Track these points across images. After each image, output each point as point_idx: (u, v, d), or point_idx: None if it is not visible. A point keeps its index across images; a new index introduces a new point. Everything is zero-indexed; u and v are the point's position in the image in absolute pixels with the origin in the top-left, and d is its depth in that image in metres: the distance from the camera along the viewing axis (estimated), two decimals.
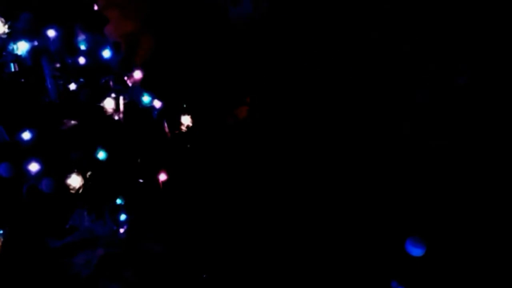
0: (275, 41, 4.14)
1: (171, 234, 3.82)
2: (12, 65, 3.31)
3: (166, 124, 3.77)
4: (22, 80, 3.36)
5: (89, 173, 3.37)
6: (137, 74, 3.64)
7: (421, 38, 4.00)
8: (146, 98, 3.64)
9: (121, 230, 3.61)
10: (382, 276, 3.69)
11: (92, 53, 3.49)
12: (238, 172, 4.06)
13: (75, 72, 3.44)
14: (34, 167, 3.20)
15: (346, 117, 4.14)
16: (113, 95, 3.55)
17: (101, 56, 3.50)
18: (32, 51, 3.33)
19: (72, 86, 3.43)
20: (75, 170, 3.31)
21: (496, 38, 3.95)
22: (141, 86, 3.67)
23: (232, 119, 4.29)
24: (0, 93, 3.33)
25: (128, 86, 3.62)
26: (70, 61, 3.44)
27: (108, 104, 3.53)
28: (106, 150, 3.41)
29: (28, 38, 3.32)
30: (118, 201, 3.55)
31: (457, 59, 3.93)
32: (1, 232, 3.39)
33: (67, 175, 3.29)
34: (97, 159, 3.39)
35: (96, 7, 3.75)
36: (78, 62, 3.44)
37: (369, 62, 4.12)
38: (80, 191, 3.33)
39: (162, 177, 3.67)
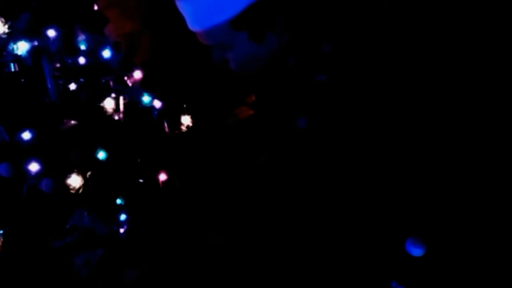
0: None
1: (171, 234, 3.82)
2: (12, 65, 3.31)
3: (166, 124, 3.77)
4: (22, 80, 3.36)
5: (89, 173, 3.37)
6: (137, 74, 3.64)
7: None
8: (146, 98, 3.64)
9: (121, 230, 3.61)
10: (382, 276, 3.69)
11: (92, 53, 3.49)
12: (238, 172, 4.07)
13: (75, 72, 3.44)
14: (34, 167, 3.20)
15: (345, 116, 4.14)
16: (113, 95, 3.55)
17: (101, 56, 3.50)
18: (32, 51, 3.33)
19: (72, 86, 3.43)
20: (75, 170, 3.31)
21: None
22: (141, 86, 3.67)
23: (232, 119, 4.29)
24: (0, 93, 3.33)
25: (128, 86, 3.62)
26: (70, 61, 3.44)
27: (108, 104, 3.53)
28: (106, 150, 3.41)
29: (28, 38, 3.32)
30: (118, 201, 3.55)
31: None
32: (1, 232, 3.39)
33: (67, 175, 3.29)
34: (97, 159, 3.39)
35: (96, 7, 3.75)
36: (78, 62, 3.44)
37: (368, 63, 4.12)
38: (80, 191, 3.32)
39: (162, 177, 3.67)
